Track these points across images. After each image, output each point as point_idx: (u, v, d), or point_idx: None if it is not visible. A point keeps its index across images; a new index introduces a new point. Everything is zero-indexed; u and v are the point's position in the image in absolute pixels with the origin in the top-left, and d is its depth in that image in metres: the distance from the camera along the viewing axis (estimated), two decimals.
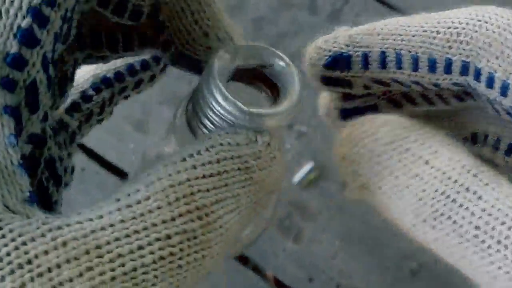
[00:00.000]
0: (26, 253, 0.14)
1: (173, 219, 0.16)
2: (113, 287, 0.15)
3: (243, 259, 0.60)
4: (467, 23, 0.19)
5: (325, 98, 0.23)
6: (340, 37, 0.21)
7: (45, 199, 0.20)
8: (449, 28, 0.19)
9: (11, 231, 0.14)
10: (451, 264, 0.18)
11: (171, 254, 0.16)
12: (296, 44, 0.68)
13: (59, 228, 0.15)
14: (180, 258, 0.16)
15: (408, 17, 0.20)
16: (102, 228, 0.15)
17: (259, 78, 0.20)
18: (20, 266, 0.14)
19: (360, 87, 0.21)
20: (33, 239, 0.15)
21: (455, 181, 0.17)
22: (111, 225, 0.15)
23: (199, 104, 0.19)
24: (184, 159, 0.17)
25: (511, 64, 0.18)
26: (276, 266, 0.60)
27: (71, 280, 0.14)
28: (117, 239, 0.15)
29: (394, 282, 0.59)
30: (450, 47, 0.19)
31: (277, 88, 0.19)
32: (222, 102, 0.18)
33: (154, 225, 0.16)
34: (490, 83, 0.18)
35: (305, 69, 0.22)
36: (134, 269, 0.15)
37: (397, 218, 0.19)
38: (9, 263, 0.14)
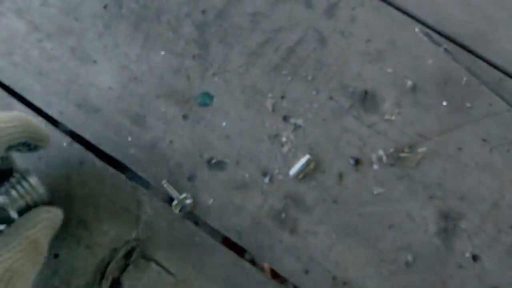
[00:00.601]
0: None
1: None
2: None
3: (240, 252, 0.61)
4: None
5: None
6: None
7: None
8: None
9: None
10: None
11: None
12: (292, 38, 0.69)
13: None
14: None
15: None
16: None
17: None
18: None
19: None
20: None
21: None
22: None
23: None
24: None
25: None
26: (272, 258, 0.61)
27: None
28: None
29: (389, 274, 0.59)
30: None
31: None
32: None
33: None
34: None
35: None
36: None
37: None
38: None
